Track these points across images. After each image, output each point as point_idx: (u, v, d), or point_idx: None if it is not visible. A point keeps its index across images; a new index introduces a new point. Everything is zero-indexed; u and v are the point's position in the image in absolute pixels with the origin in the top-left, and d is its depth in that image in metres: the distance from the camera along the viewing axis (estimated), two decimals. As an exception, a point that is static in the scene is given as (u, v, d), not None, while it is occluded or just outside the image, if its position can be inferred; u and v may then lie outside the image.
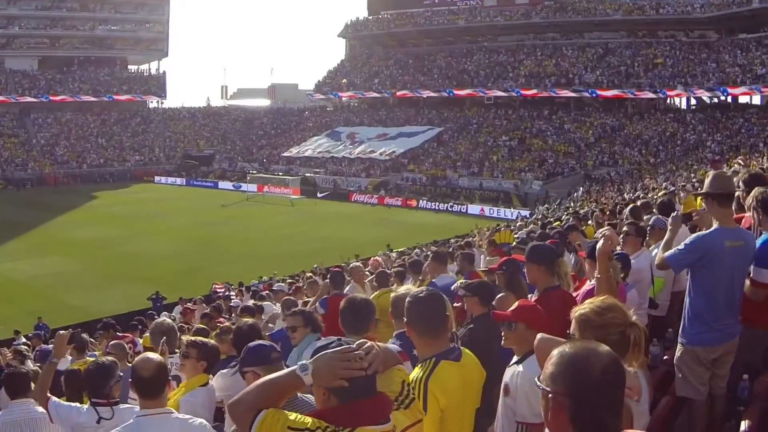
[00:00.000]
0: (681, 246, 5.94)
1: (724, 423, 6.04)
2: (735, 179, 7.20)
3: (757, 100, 67.76)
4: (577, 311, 3.75)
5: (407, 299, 4.35)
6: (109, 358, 6.90)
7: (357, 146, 79.11)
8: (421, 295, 4.33)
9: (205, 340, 6.32)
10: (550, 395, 2.53)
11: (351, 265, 15.91)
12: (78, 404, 5.92)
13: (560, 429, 2.54)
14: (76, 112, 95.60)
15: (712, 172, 6.16)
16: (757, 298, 6.10)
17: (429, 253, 18.94)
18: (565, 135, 72.34)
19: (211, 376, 6.10)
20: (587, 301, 3.87)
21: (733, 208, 6.38)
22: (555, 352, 2.64)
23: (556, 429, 2.56)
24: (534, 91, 78.64)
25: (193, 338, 6.47)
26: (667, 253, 6.01)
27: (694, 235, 6.17)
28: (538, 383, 2.60)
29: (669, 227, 6.78)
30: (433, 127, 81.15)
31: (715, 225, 5.83)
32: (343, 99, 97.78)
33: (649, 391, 5.12)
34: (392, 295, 6.25)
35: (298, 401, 4.11)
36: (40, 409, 6.09)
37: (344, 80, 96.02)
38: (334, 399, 3.07)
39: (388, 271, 12.80)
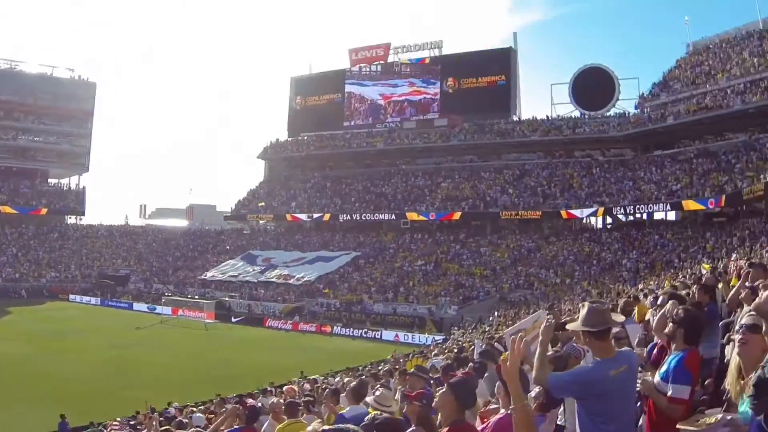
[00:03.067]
0: (566, 374, 5.91)
1: None
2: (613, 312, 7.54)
3: (672, 215, 69.81)
4: None
5: None
6: None
7: (273, 270, 78.78)
8: None
9: None
10: None
11: (270, 401, 16.15)
12: None
13: None
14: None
15: (586, 305, 5.94)
16: (674, 415, 6.04)
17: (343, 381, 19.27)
18: (481, 258, 73.00)
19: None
20: None
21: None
22: None
23: None
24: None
25: None
26: (550, 374, 5.82)
27: (578, 368, 6.21)
28: None
29: (540, 337, 6.37)
30: (349, 251, 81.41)
31: (595, 359, 5.82)
32: (260, 222, 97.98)
33: None
34: None
35: None
36: None
37: (261, 203, 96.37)
38: None
39: (299, 401, 12.97)
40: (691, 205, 63.18)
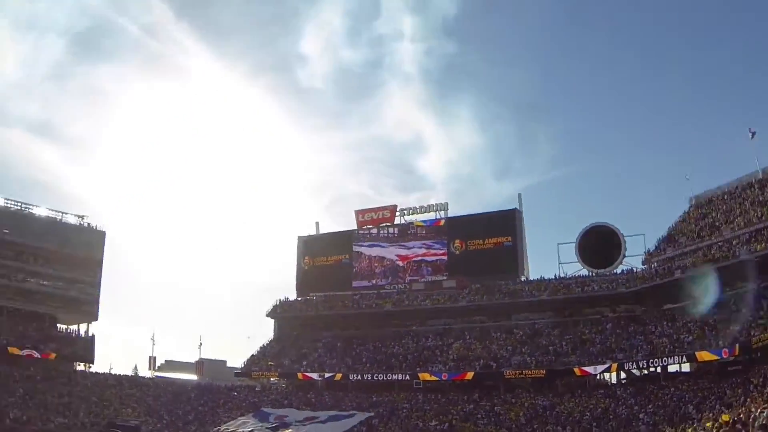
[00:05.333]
0: None
1: None
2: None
3: (686, 367, 68.35)
4: None
5: None
6: None
7: (286, 429, 76.79)
8: None
9: None
10: None
11: None
12: None
13: None
14: (1, 364, 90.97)
15: None
16: None
17: None
18: (496, 417, 71.83)
19: None
20: None
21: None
22: None
23: None
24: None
25: None
26: None
27: None
28: None
29: None
30: (362, 411, 79.93)
31: None
32: (271, 380, 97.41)
33: None
34: None
35: None
36: None
37: (270, 362, 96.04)
38: None
39: None
40: (705, 356, 63.05)
